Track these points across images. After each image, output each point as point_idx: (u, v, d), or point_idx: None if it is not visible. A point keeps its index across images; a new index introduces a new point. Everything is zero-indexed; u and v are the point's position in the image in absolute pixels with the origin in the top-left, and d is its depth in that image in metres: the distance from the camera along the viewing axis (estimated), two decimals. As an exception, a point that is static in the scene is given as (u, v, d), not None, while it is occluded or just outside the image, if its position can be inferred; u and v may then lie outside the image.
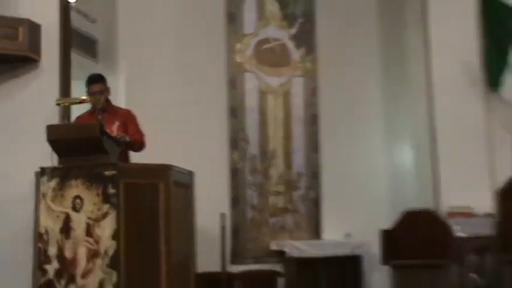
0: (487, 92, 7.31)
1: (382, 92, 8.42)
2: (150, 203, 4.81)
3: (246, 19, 8.29)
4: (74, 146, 4.86)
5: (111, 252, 4.66)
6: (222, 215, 6.78)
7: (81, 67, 6.53)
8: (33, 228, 4.97)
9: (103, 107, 5.46)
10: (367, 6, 8.48)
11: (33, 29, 5.82)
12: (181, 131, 7.55)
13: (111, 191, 4.72)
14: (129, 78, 7.30)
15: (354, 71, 8.31)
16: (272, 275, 7.71)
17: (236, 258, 7.78)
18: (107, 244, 4.68)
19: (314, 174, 8.27)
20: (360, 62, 8.35)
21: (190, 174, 5.34)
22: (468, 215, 6.86)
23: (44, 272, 4.78)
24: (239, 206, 7.97)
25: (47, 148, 4.93)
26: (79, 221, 4.74)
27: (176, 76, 7.70)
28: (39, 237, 4.83)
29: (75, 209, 4.77)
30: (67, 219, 4.77)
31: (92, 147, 4.82)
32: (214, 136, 7.91)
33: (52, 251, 4.78)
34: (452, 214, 6.82)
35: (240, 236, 7.91)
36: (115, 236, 4.68)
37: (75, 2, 6.27)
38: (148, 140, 5.65)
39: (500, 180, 6.16)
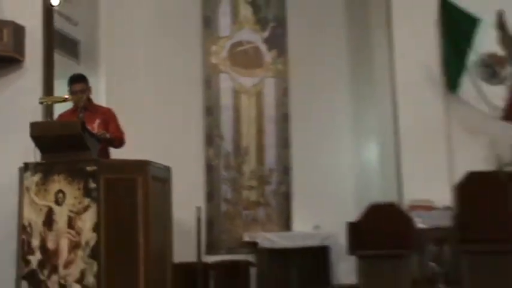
0: (447, 93, 7.33)
1: (350, 92, 8.46)
2: (129, 197, 4.80)
3: (221, 23, 8.32)
4: (56, 143, 4.85)
5: (91, 243, 4.67)
6: (198, 208, 6.78)
7: (64, 67, 6.50)
8: (17, 221, 4.94)
9: (84, 106, 5.45)
10: (336, 10, 8.51)
11: (18, 31, 5.80)
12: (159, 128, 7.57)
13: (92, 185, 4.72)
14: (109, 78, 7.28)
15: (323, 72, 8.34)
16: (245, 265, 7.73)
17: (211, 249, 7.81)
18: (88, 236, 4.68)
19: (285, 169, 8.31)
20: (329, 64, 8.39)
21: (167, 169, 5.33)
22: (428, 208, 6.89)
23: (28, 262, 4.76)
24: (214, 199, 7.99)
25: (31, 144, 4.91)
26: (61, 214, 4.74)
27: (154, 76, 7.71)
28: (23, 230, 4.81)
29: (57, 202, 4.76)
30: (50, 212, 4.76)
31: (73, 144, 4.81)
32: (190, 133, 7.93)
33: (35, 242, 4.76)
34: (414, 207, 6.84)
35: (214, 228, 7.93)
36: (95, 228, 4.68)
37: (58, 5, 6.24)
38: (127, 137, 5.64)
39: (458, 176, 6.23)
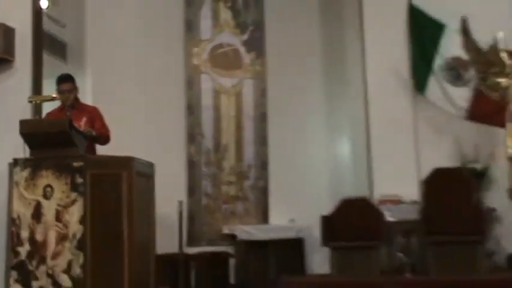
0: (415, 94, 7.40)
1: (324, 91, 8.47)
2: (114, 192, 4.82)
3: (202, 26, 8.32)
4: (44, 139, 4.85)
5: (78, 235, 4.69)
6: (180, 203, 6.76)
7: (52, 68, 6.47)
8: (6, 214, 4.94)
9: (72, 104, 5.47)
10: (311, 15, 8.50)
11: (8, 33, 5.77)
12: (143, 126, 7.56)
13: (79, 180, 4.74)
14: (95, 78, 7.26)
15: (299, 73, 8.34)
16: (225, 256, 7.76)
17: (192, 241, 7.81)
18: (75, 228, 4.70)
19: (263, 165, 8.33)
20: (304, 65, 8.38)
21: (151, 165, 5.35)
22: (397, 202, 6.96)
23: (17, 253, 4.77)
24: (195, 194, 8.01)
25: (20, 141, 4.91)
26: (49, 208, 4.75)
27: (139, 77, 7.70)
28: (13, 222, 4.82)
29: (45, 196, 4.77)
30: (38, 206, 4.77)
31: (61, 141, 4.82)
32: (173, 131, 7.93)
33: (24, 234, 4.77)
34: (384, 201, 6.90)
35: (195, 221, 7.94)
36: (82, 221, 4.70)
37: (47, 8, 6.22)
38: (113, 135, 5.64)
39: (425, 172, 6.29)
